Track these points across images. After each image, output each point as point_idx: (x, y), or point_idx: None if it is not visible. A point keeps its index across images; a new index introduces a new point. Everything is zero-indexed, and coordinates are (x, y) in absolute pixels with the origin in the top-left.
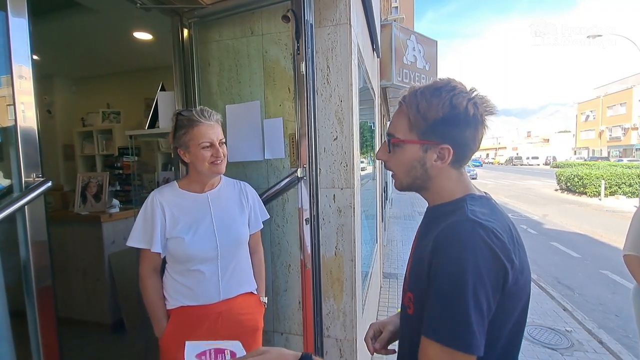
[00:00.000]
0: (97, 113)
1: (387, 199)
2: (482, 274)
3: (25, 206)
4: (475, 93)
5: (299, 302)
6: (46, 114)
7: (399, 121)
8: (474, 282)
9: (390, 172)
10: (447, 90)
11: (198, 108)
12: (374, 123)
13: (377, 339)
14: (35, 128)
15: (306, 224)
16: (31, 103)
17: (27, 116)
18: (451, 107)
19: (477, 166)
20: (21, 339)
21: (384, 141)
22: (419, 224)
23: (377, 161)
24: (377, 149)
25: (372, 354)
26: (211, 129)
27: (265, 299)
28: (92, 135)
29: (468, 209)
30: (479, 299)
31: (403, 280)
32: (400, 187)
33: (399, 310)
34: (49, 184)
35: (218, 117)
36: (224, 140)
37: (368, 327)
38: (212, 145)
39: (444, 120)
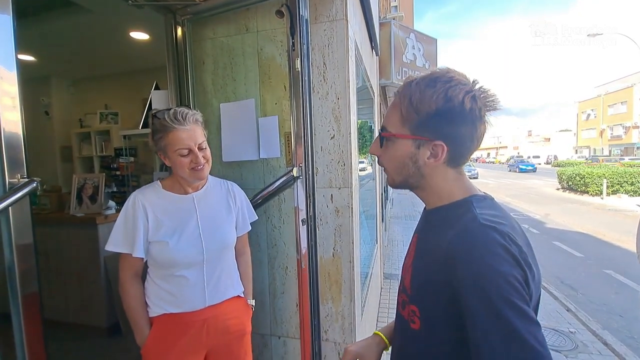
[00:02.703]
0: (94, 114)
1: (387, 199)
2: (514, 283)
3: (9, 208)
4: (476, 85)
5: (297, 305)
6: (44, 115)
7: (392, 114)
8: (510, 296)
9: (382, 168)
10: (444, 81)
11: (172, 110)
12: (373, 122)
13: None
14: (20, 128)
15: (302, 224)
16: (15, 104)
17: (9, 117)
18: (445, 100)
19: (531, 171)
20: (8, 343)
21: (378, 135)
22: (416, 228)
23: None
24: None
25: None
26: (187, 134)
27: (252, 302)
28: (89, 137)
29: (477, 212)
30: (522, 310)
31: (400, 290)
32: (393, 184)
33: (377, 332)
34: (34, 184)
35: (197, 118)
36: (204, 143)
37: (343, 353)
38: (190, 151)
39: (437, 114)
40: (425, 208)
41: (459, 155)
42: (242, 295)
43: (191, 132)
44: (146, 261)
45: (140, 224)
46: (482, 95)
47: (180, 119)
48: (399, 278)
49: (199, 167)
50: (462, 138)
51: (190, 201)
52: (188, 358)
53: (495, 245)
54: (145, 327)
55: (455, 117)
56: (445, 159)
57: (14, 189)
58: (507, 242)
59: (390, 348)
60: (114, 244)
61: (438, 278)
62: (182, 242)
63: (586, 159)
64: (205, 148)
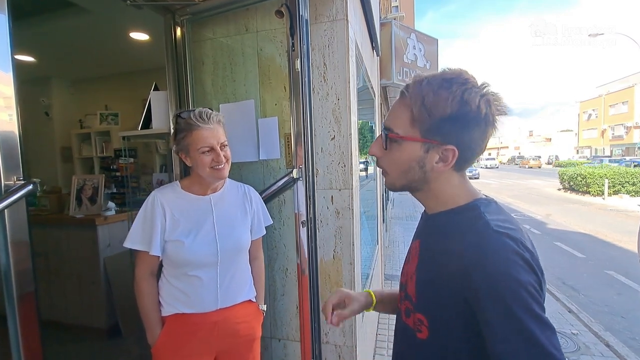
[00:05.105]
0: (95, 115)
1: (388, 200)
2: (532, 291)
3: (5, 210)
4: (487, 89)
5: (297, 307)
6: (44, 116)
7: (400, 114)
8: (528, 304)
9: (381, 170)
10: (459, 83)
11: (197, 110)
12: (374, 123)
13: (338, 313)
14: (16, 129)
15: (302, 226)
16: (11, 105)
17: (4, 118)
18: (462, 104)
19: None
20: (4, 345)
21: (379, 135)
22: (416, 233)
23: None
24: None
25: (328, 323)
26: (210, 133)
27: (264, 307)
28: (90, 137)
29: (488, 219)
30: (541, 317)
31: (401, 297)
32: (393, 188)
33: (369, 290)
34: (30, 187)
35: (219, 118)
36: (226, 142)
37: (335, 292)
38: (212, 149)
39: (452, 118)
40: (424, 212)
41: (466, 159)
42: (254, 300)
43: (214, 131)
44: (161, 260)
45: (158, 223)
46: (493, 99)
47: (205, 118)
48: (400, 284)
49: (219, 166)
50: (473, 142)
51: (207, 202)
52: (197, 359)
53: (511, 253)
54: (157, 326)
55: (470, 122)
56: (453, 163)
57: (10, 192)
58: (521, 249)
59: (373, 308)
60: (132, 241)
61: (450, 286)
62: (197, 242)
63: (587, 159)
64: (226, 148)
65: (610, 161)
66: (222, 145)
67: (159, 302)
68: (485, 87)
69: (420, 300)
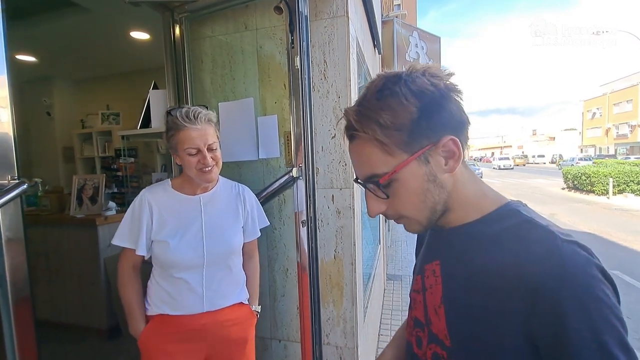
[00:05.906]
0: (96, 115)
1: None
2: (620, 316)
3: None
4: (418, 67)
5: (297, 308)
6: (46, 116)
7: (369, 155)
8: (623, 339)
9: (392, 220)
10: (394, 81)
11: (184, 109)
12: None
13: None
14: (10, 128)
15: (303, 226)
16: (5, 105)
17: None
18: (418, 94)
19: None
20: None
21: (367, 192)
22: (430, 252)
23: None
24: (367, 209)
25: None
26: (197, 133)
27: (258, 308)
28: (91, 137)
29: (546, 225)
30: (631, 350)
31: (425, 338)
32: (420, 229)
33: None
34: (25, 186)
35: (209, 117)
36: (215, 144)
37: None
38: (198, 151)
39: (423, 112)
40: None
41: (464, 140)
42: (247, 302)
43: (202, 131)
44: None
45: (144, 222)
46: (432, 71)
47: (192, 118)
48: (415, 320)
49: (207, 169)
50: (457, 117)
51: (197, 203)
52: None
53: (593, 268)
54: (140, 318)
55: (440, 102)
56: (461, 152)
57: (3, 191)
58: (596, 260)
59: None
60: (120, 238)
61: (509, 313)
62: (182, 243)
63: (591, 158)
64: (216, 149)
65: (581, 159)
66: (210, 147)
67: (147, 301)
68: (416, 66)
69: (458, 342)
